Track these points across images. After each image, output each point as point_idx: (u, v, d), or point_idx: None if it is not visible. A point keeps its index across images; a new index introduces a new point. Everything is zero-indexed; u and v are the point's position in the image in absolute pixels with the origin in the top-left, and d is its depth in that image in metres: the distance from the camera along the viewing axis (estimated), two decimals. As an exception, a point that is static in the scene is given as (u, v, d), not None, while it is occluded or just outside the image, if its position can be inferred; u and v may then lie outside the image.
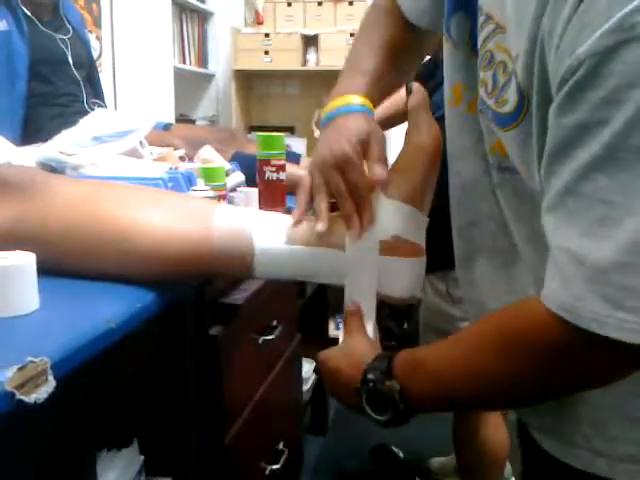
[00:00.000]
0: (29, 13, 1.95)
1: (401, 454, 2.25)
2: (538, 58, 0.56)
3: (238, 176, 1.51)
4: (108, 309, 0.72)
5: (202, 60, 3.88)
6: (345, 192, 0.79)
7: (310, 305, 2.11)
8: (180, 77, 3.45)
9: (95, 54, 2.45)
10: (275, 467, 1.36)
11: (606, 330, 0.52)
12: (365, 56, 0.89)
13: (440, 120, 0.83)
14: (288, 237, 0.82)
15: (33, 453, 0.72)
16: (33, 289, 0.69)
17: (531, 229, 0.67)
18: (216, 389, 1.07)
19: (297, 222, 0.83)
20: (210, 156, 1.53)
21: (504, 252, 0.75)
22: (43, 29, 1.99)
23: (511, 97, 0.61)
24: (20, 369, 0.54)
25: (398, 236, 0.81)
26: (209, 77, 3.97)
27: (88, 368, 0.64)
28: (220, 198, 1.21)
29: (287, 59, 3.68)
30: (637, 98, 0.49)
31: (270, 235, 0.82)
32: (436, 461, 2.21)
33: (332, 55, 3.59)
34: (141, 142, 1.39)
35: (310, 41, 3.71)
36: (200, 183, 1.20)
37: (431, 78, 1.52)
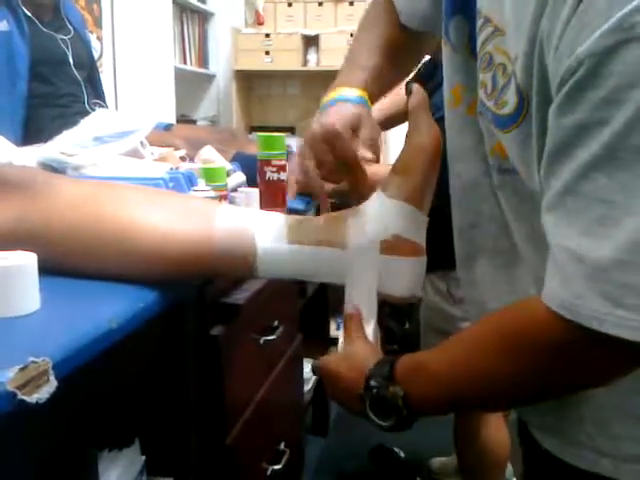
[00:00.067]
0: (30, 14, 1.96)
1: (402, 454, 2.25)
2: (537, 59, 0.57)
3: (239, 176, 1.51)
4: (109, 309, 0.72)
5: (203, 60, 3.89)
6: (330, 164, 0.80)
7: (311, 305, 2.10)
8: (181, 77, 3.45)
9: (96, 54, 2.46)
10: (276, 467, 1.36)
11: (606, 328, 0.52)
12: (364, 53, 0.90)
13: (440, 121, 0.83)
14: (289, 237, 0.82)
15: (34, 453, 0.72)
16: (34, 289, 0.69)
17: (531, 228, 0.67)
18: (217, 389, 1.07)
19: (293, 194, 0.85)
20: (211, 156, 1.53)
21: (505, 253, 0.75)
22: (44, 29, 1.99)
23: (511, 99, 0.61)
24: (22, 369, 0.54)
25: (399, 235, 0.82)
26: (210, 77, 3.98)
27: (89, 368, 0.64)
28: (221, 198, 1.21)
29: (288, 59, 3.69)
30: (637, 98, 0.49)
31: (272, 235, 0.82)
32: (437, 461, 2.21)
33: (333, 55, 3.59)
34: (142, 142, 1.39)
35: (311, 41, 3.72)
36: (201, 183, 1.20)
37: (431, 79, 1.52)
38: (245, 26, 3.94)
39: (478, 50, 0.67)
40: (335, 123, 0.81)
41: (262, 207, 1.32)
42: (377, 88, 0.88)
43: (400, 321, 2.75)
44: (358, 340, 0.80)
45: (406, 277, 0.83)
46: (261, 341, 1.27)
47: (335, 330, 2.99)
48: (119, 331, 0.70)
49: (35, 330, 0.66)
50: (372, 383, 0.69)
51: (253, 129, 3.86)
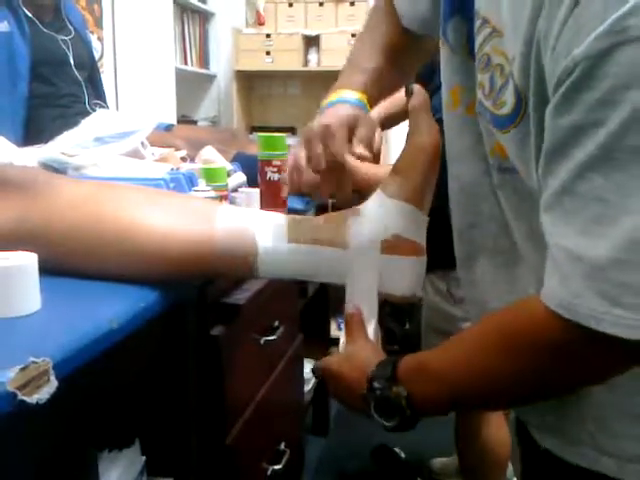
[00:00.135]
0: (30, 14, 1.96)
1: (403, 455, 2.24)
2: (534, 60, 0.57)
3: (239, 176, 1.51)
4: (110, 309, 0.72)
5: (203, 61, 3.89)
6: (322, 161, 0.82)
7: (312, 305, 2.11)
8: (181, 78, 3.46)
9: (97, 55, 2.46)
10: (277, 467, 1.36)
11: (604, 326, 0.52)
12: (365, 56, 0.91)
13: (439, 122, 0.84)
14: (290, 237, 0.82)
15: (34, 453, 0.72)
16: (35, 289, 0.69)
17: (530, 227, 0.67)
18: (218, 389, 1.07)
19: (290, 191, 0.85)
20: (211, 157, 1.53)
21: (505, 252, 0.75)
22: (44, 30, 2.00)
23: (508, 99, 0.62)
24: (22, 369, 0.54)
25: (399, 235, 0.82)
26: (210, 78, 3.98)
27: (90, 368, 0.64)
28: (222, 198, 1.21)
29: (288, 59, 3.69)
30: (632, 99, 0.49)
31: (272, 235, 0.82)
32: (438, 462, 2.21)
33: (333, 55, 3.59)
34: (143, 143, 1.39)
35: (311, 41, 3.72)
36: (202, 183, 1.20)
37: (430, 81, 1.52)
38: (246, 26, 3.94)
39: (476, 51, 0.67)
40: (331, 123, 0.83)
41: (263, 207, 1.32)
42: (377, 90, 0.89)
43: (400, 321, 2.75)
44: (360, 340, 0.80)
45: (407, 277, 0.84)
46: (261, 341, 1.27)
47: (336, 330, 2.99)
48: (119, 331, 0.70)
49: (35, 330, 0.66)
50: (375, 385, 0.70)
51: (254, 129, 3.87)
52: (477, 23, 0.67)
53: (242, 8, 3.97)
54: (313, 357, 2.22)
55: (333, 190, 0.89)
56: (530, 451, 0.78)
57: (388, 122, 1.82)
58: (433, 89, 0.84)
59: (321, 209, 1.77)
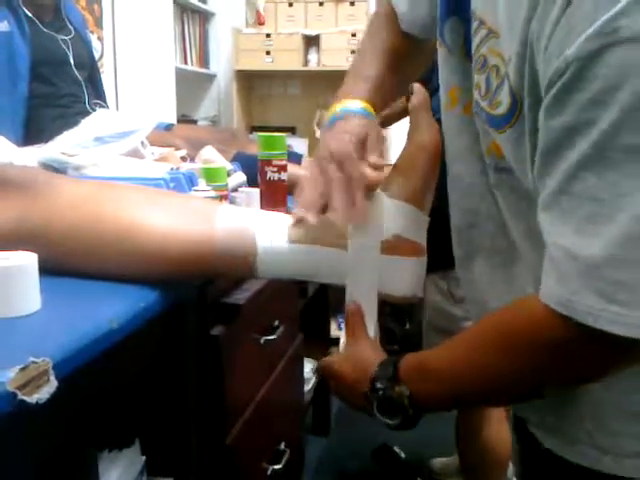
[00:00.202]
0: (30, 14, 1.96)
1: (403, 454, 2.24)
2: (528, 61, 0.58)
3: (239, 176, 1.51)
4: (110, 309, 0.72)
5: (203, 60, 3.89)
6: (339, 185, 0.78)
7: (312, 305, 2.11)
8: (181, 77, 3.45)
9: (97, 55, 2.45)
10: (277, 467, 1.36)
11: (601, 324, 0.53)
12: (367, 63, 0.91)
13: (438, 123, 0.84)
14: (290, 236, 0.82)
15: (34, 453, 0.72)
16: (35, 289, 0.69)
17: (528, 226, 0.68)
18: (218, 389, 1.07)
19: (298, 221, 0.82)
20: (211, 156, 1.53)
21: (503, 252, 0.76)
22: (44, 30, 1.99)
23: (504, 99, 0.62)
24: (22, 369, 0.54)
25: (399, 235, 0.82)
26: (210, 77, 3.98)
27: (90, 368, 0.64)
28: (222, 198, 1.21)
29: (288, 59, 3.69)
30: (622, 99, 0.50)
31: (272, 235, 0.82)
32: (438, 461, 2.21)
33: (333, 55, 3.59)
34: (143, 142, 1.39)
35: (311, 41, 3.72)
36: (202, 183, 1.20)
37: (429, 81, 1.52)
38: (246, 26, 3.94)
39: (473, 52, 0.68)
40: (343, 144, 0.79)
41: (263, 207, 1.32)
42: (380, 97, 0.88)
43: (400, 321, 2.75)
44: (360, 340, 0.81)
45: (407, 277, 0.84)
46: (262, 341, 1.27)
47: (336, 330, 2.99)
48: (119, 331, 0.70)
49: (35, 330, 0.66)
50: (378, 385, 0.71)
51: (254, 129, 3.86)
52: (474, 24, 0.67)
53: (242, 8, 3.97)
54: (313, 357, 2.22)
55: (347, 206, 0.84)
56: (529, 450, 0.78)
57: (382, 123, 1.82)
58: (432, 90, 0.84)
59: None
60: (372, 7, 3.71)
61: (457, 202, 0.82)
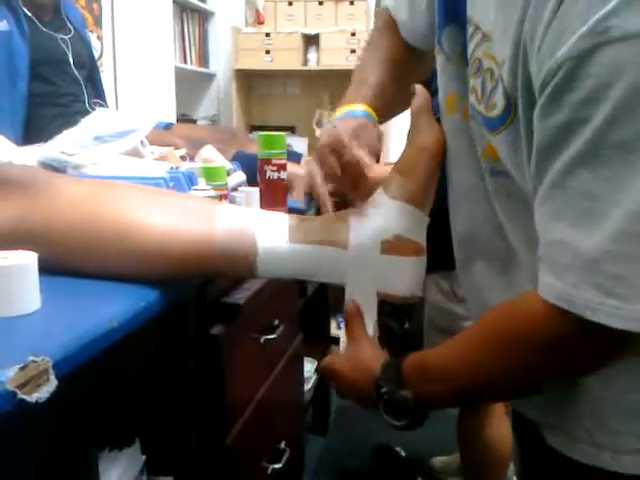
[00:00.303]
0: (30, 13, 1.95)
1: (403, 453, 2.25)
2: (521, 62, 0.59)
3: (239, 176, 1.51)
4: (110, 308, 0.72)
5: (203, 60, 3.89)
6: (337, 169, 0.85)
7: (311, 304, 2.11)
8: (181, 77, 3.45)
9: (96, 54, 2.45)
10: (277, 466, 1.36)
11: (599, 317, 0.54)
12: (368, 71, 0.94)
13: (439, 122, 0.84)
14: (290, 236, 0.82)
15: (34, 453, 0.72)
16: (34, 289, 0.69)
17: (525, 229, 0.68)
18: (218, 389, 1.07)
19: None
20: (211, 156, 1.53)
21: (502, 254, 0.76)
22: (44, 29, 1.99)
23: (499, 101, 0.63)
24: (22, 368, 0.54)
25: (400, 235, 0.82)
26: (210, 77, 3.98)
27: (89, 367, 0.64)
28: (221, 197, 1.21)
29: (288, 59, 3.68)
30: (614, 96, 0.51)
31: (272, 234, 0.82)
32: (438, 460, 2.21)
33: (333, 55, 3.59)
34: (142, 142, 1.39)
35: (311, 40, 3.71)
36: (201, 183, 1.20)
37: (431, 82, 1.52)
38: (245, 25, 3.94)
39: (469, 57, 0.69)
40: (340, 134, 0.86)
41: (262, 206, 1.32)
42: (381, 103, 0.91)
43: (400, 320, 2.75)
44: (361, 339, 0.82)
45: (407, 277, 0.84)
46: (261, 340, 1.27)
47: (335, 329, 3.00)
48: (119, 330, 0.70)
49: (35, 329, 0.66)
50: (383, 389, 0.72)
51: (253, 128, 3.86)
52: (470, 30, 0.68)
53: (242, 7, 3.97)
54: (313, 356, 2.22)
55: (350, 192, 0.91)
56: (529, 447, 0.79)
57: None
58: (433, 91, 0.85)
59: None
60: (372, 6, 3.71)
61: (457, 206, 0.83)
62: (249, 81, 4.04)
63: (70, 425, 0.80)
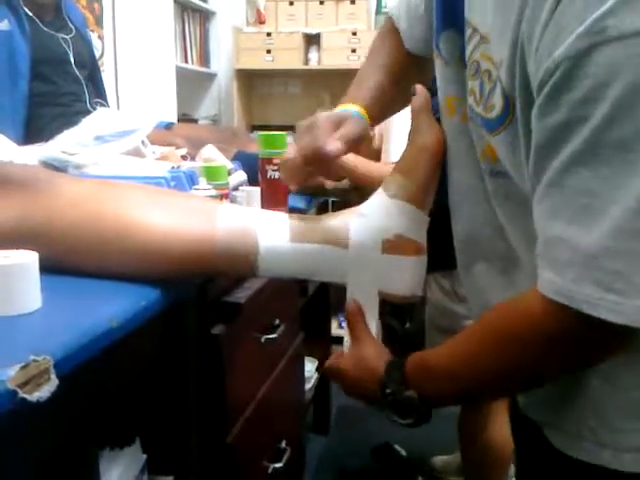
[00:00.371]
0: (31, 13, 1.96)
1: (403, 452, 2.25)
2: (519, 62, 0.59)
3: (240, 175, 1.51)
4: (110, 307, 0.72)
5: (204, 59, 3.89)
6: (309, 150, 0.82)
7: (312, 304, 2.11)
8: (182, 76, 3.45)
9: (97, 53, 2.45)
10: (277, 466, 1.36)
11: (599, 312, 0.54)
12: (369, 74, 0.95)
13: (439, 122, 0.84)
14: (291, 235, 0.82)
15: (35, 452, 0.72)
16: (35, 288, 0.69)
17: (524, 229, 0.69)
18: (218, 388, 1.08)
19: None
20: (212, 155, 1.53)
21: (502, 255, 0.77)
22: (45, 29, 1.99)
23: (497, 102, 0.64)
24: (23, 368, 0.54)
25: (401, 235, 0.82)
26: (211, 76, 3.98)
27: (90, 367, 0.64)
28: (222, 197, 1.21)
29: (289, 58, 3.68)
30: (612, 95, 0.51)
31: (273, 233, 0.82)
32: (439, 459, 2.21)
33: (334, 54, 3.59)
34: (143, 141, 1.39)
35: (312, 40, 3.71)
36: (202, 182, 1.20)
37: (431, 82, 1.52)
38: (246, 25, 3.93)
39: (467, 59, 0.69)
40: (317, 117, 0.86)
41: (263, 206, 1.32)
42: (378, 107, 0.92)
43: (401, 320, 2.75)
44: (364, 339, 0.82)
45: (407, 276, 0.84)
46: (262, 340, 1.27)
47: (336, 329, 3.00)
48: (120, 330, 0.70)
49: (36, 328, 0.66)
50: (388, 390, 0.74)
51: (254, 128, 3.86)
52: (468, 32, 0.69)
53: (243, 7, 3.97)
54: (314, 355, 2.22)
55: (324, 177, 0.90)
56: (529, 445, 0.79)
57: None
58: (434, 91, 0.85)
59: (322, 208, 1.77)
60: (373, 6, 3.71)
61: (457, 207, 0.83)
62: (250, 81, 4.04)
63: (71, 424, 0.80)
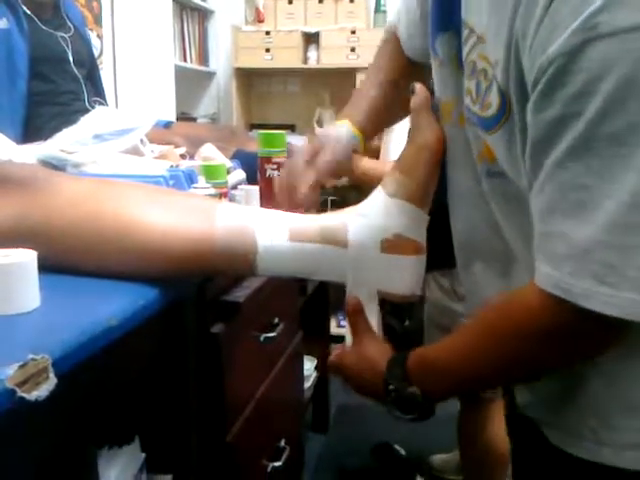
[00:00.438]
0: (29, 12, 1.95)
1: (402, 451, 2.25)
2: (514, 60, 0.60)
3: (239, 174, 1.50)
4: (109, 306, 0.72)
5: (203, 58, 3.88)
6: (283, 186, 0.94)
7: (311, 303, 2.11)
8: (181, 75, 3.45)
9: (96, 52, 2.45)
10: (277, 464, 1.36)
11: (594, 305, 0.55)
12: (370, 83, 0.98)
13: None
14: (290, 234, 0.82)
15: (34, 451, 0.72)
16: (34, 287, 0.69)
17: (520, 228, 0.69)
18: (217, 387, 1.08)
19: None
20: (211, 154, 1.53)
21: (500, 255, 0.77)
22: (43, 27, 1.99)
23: (494, 100, 0.64)
24: (21, 366, 0.54)
25: (400, 234, 0.82)
26: (210, 75, 3.97)
27: (89, 365, 0.64)
28: (221, 196, 1.21)
29: (288, 57, 3.67)
30: (604, 90, 0.52)
31: (272, 232, 0.82)
32: (438, 458, 2.21)
33: (333, 53, 3.58)
34: (142, 140, 1.39)
35: (311, 39, 3.70)
36: (201, 181, 1.20)
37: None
38: (245, 24, 3.93)
39: (464, 60, 0.70)
40: (297, 154, 0.96)
41: (262, 205, 1.32)
42: (372, 122, 0.97)
43: (400, 319, 2.75)
44: (365, 335, 0.83)
45: (407, 275, 0.84)
46: (261, 338, 1.27)
47: (335, 327, 3.00)
48: (119, 328, 0.70)
49: (35, 327, 0.66)
50: (390, 387, 0.75)
51: (253, 127, 3.85)
52: (464, 33, 0.69)
53: (241, 5, 3.96)
54: (313, 354, 2.22)
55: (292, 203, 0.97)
56: (527, 444, 0.79)
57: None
58: (434, 89, 0.85)
59: (321, 207, 1.77)
60: (372, 4, 3.71)
61: (456, 207, 0.84)
62: (249, 79, 4.03)
63: (69, 423, 0.80)
